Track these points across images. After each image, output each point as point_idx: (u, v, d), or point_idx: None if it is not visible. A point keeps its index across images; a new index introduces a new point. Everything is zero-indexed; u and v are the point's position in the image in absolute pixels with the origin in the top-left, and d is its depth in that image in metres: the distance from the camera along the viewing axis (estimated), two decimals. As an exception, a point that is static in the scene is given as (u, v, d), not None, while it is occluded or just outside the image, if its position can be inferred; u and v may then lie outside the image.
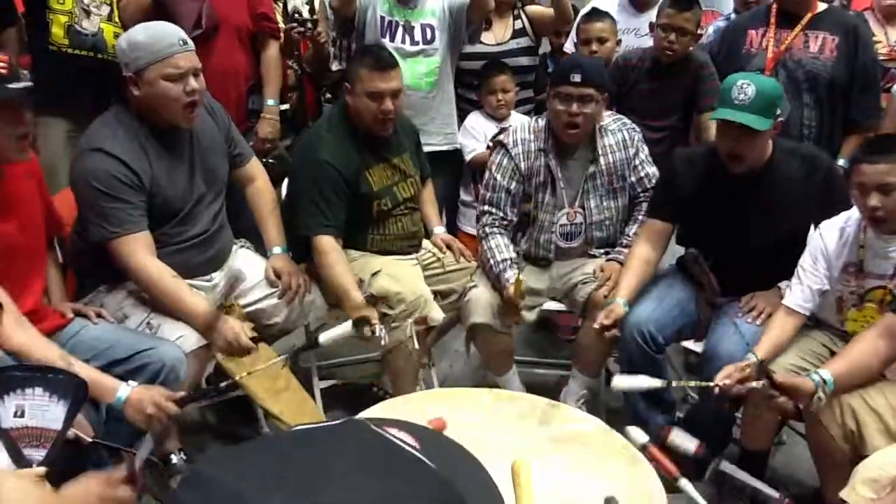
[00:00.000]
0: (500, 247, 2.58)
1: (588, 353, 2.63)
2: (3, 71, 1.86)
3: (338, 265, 2.47)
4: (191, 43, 2.23)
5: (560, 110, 2.51)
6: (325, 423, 0.53)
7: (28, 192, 2.06)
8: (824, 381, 1.93)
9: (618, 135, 2.63)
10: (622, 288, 2.43)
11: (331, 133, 2.55)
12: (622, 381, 2.09)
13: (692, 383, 2.20)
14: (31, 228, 2.06)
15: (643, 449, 1.73)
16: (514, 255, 2.58)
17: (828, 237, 2.18)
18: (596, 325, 2.34)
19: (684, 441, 1.87)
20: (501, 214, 2.63)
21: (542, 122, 2.64)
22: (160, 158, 2.24)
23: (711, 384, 2.04)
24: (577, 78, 2.46)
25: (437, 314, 2.52)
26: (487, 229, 2.64)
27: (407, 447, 0.51)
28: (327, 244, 2.48)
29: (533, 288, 2.63)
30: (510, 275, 2.50)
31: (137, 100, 2.20)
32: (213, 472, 0.50)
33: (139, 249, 2.16)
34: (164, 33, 2.19)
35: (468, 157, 3.21)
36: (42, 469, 1.47)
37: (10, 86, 1.85)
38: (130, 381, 1.90)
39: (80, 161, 2.20)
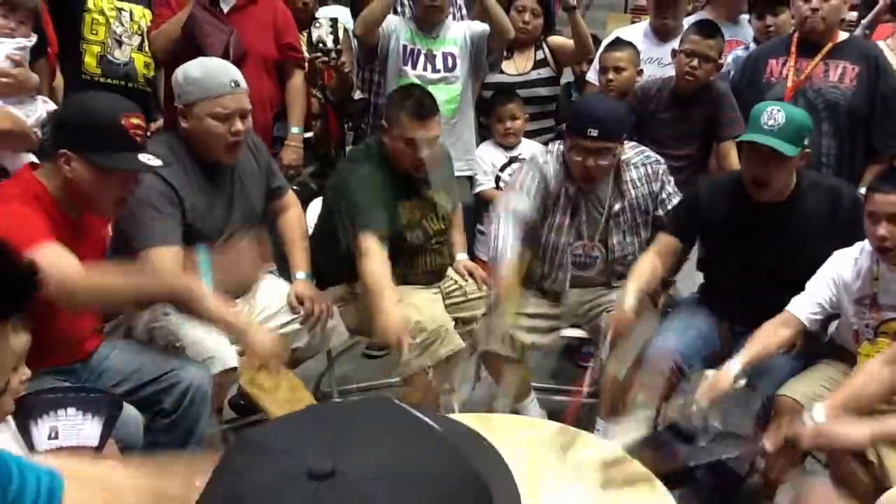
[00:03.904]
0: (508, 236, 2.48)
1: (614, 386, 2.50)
2: (139, 138, 1.90)
3: (377, 267, 2.41)
4: (243, 84, 2.27)
5: (576, 161, 2.47)
6: (366, 398, 0.65)
7: (99, 223, 2.12)
8: (813, 420, 1.90)
9: (641, 169, 2.60)
10: (630, 291, 2.36)
11: (365, 166, 2.56)
12: (618, 436, 2.04)
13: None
14: (96, 255, 2.10)
15: None
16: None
17: (841, 267, 2.17)
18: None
19: None
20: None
21: (562, 152, 2.59)
22: (203, 191, 2.29)
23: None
24: (593, 132, 2.40)
25: (457, 343, 2.52)
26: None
27: (433, 424, 0.59)
28: (372, 246, 2.41)
29: (547, 312, 2.63)
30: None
31: (185, 132, 2.26)
32: (253, 432, 0.60)
33: (168, 262, 2.16)
34: (218, 72, 2.25)
35: (475, 191, 3.24)
36: None
37: (140, 157, 1.89)
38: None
39: None
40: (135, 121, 1.90)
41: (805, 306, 2.19)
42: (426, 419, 0.59)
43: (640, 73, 3.20)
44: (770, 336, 2.17)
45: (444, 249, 2.76)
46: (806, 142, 2.28)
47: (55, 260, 1.72)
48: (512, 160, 3.24)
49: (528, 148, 3.26)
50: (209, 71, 2.25)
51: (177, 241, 2.21)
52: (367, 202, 2.48)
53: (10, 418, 1.51)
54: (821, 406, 1.93)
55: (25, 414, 1.50)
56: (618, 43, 3.22)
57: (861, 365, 2.13)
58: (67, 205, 1.93)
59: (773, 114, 2.21)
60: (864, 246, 2.16)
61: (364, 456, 0.54)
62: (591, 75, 3.41)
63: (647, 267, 2.45)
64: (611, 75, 3.13)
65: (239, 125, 2.23)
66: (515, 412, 2.63)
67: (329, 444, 0.55)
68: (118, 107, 1.96)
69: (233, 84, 2.23)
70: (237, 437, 0.60)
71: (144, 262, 2.17)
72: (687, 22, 3.27)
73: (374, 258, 2.43)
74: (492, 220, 2.54)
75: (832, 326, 2.32)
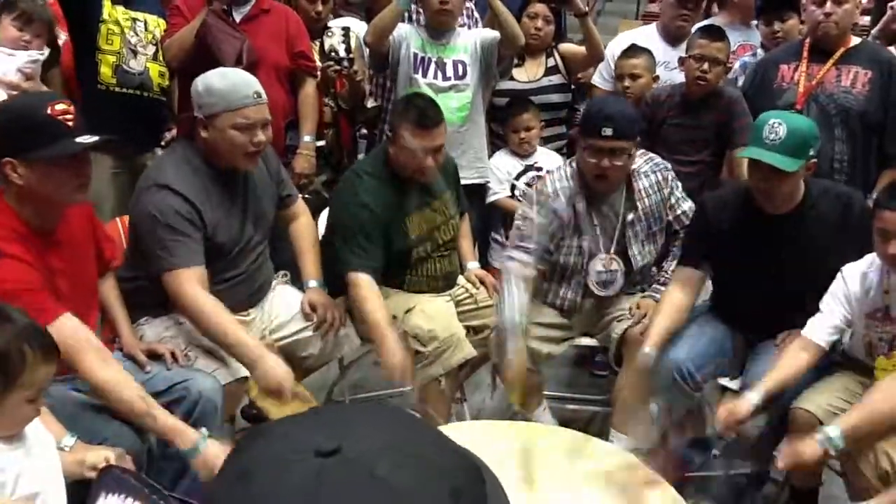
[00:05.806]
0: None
1: (626, 396, 2.53)
2: (70, 123, 1.87)
3: (372, 301, 2.46)
4: (264, 96, 2.26)
5: (591, 163, 2.46)
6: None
7: (82, 230, 2.10)
8: (829, 439, 1.90)
9: (651, 177, 2.60)
10: (652, 335, 2.36)
11: (372, 178, 2.55)
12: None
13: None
14: (86, 266, 2.10)
15: None
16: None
17: (850, 281, 2.15)
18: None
19: None
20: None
21: (574, 166, 2.59)
22: (220, 202, 2.29)
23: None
24: (608, 132, 2.39)
25: (469, 351, 2.52)
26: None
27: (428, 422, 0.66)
28: (363, 280, 2.47)
29: (560, 322, 2.63)
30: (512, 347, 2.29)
31: (204, 141, 2.25)
32: (265, 423, 0.65)
33: (193, 283, 2.18)
34: (241, 84, 2.24)
35: (489, 199, 3.24)
36: None
37: (78, 140, 1.87)
38: (203, 429, 1.89)
39: (145, 195, 2.22)
40: (60, 107, 1.87)
41: (820, 329, 2.16)
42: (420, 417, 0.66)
43: (657, 79, 3.19)
44: (790, 363, 2.14)
45: (453, 257, 2.76)
46: (812, 152, 2.23)
47: (70, 335, 1.78)
48: (527, 168, 3.24)
49: (544, 156, 3.26)
50: (232, 82, 2.24)
51: (201, 261, 2.21)
52: (364, 237, 2.47)
53: (29, 436, 1.53)
54: (837, 427, 1.92)
55: (102, 482, 1.51)
56: (633, 49, 3.21)
57: (879, 377, 2.11)
58: (39, 219, 1.91)
59: (775, 127, 2.16)
60: (874, 259, 2.13)
61: (367, 436, 0.59)
62: (597, 79, 3.42)
63: (671, 304, 2.42)
64: (627, 82, 3.13)
65: (261, 136, 2.24)
66: (529, 421, 2.64)
67: (334, 429, 0.59)
68: (40, 99, 1.94)
69: (255, 95, 2.23)
70: (252, 429, 0.66)
71: (169, 283, 2.18)
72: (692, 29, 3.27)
73: (368, 294, 2.44)
74: (502, 284, 2.47)
75: (846, 336, 2.30)
